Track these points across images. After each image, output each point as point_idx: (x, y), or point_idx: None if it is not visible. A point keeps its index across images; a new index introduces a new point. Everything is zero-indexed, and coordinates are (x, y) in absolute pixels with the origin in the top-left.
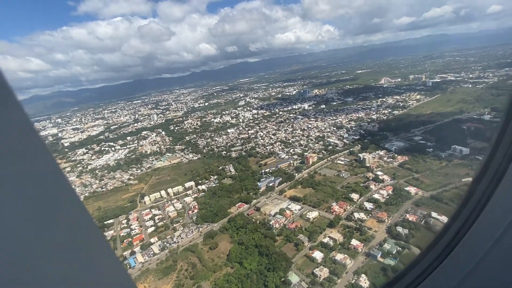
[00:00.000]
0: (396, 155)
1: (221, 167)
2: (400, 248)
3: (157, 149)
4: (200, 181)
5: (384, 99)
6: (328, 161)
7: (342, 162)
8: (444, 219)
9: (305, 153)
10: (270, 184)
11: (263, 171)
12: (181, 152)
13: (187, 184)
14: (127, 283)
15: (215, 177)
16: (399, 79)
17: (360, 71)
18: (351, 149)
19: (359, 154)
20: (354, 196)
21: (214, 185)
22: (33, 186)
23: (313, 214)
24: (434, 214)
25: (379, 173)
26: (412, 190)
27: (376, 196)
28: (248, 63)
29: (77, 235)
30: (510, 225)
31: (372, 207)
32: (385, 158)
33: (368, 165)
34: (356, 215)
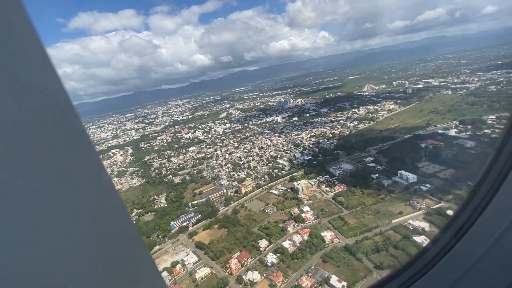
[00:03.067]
0: (336, 183)
1: (152, 198)
2: None
3: (110, 172)
4: None
5: (356, 110)
6: (263, 190)
7: (277, 192)
8: (342, 286)
9: (247, 178)
10: (185, 224)
11: (190, 203)
12: (129, 176)
13: None
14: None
15: (139, 211)
16: (383, 86)
17: (351, 77)
18: (294, 174)
19: (294, 182)
20: (263, 243)
21: None
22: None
23: (204, 272)
24: (333, 279)
25: (306, 208)
26: (328, 236)
27: (286, 244)
28: (246, 72)
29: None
30: (507, 229)
31: (274, 261)
32: (323, 187)
33: (300, 196)
34: (250, 274)
